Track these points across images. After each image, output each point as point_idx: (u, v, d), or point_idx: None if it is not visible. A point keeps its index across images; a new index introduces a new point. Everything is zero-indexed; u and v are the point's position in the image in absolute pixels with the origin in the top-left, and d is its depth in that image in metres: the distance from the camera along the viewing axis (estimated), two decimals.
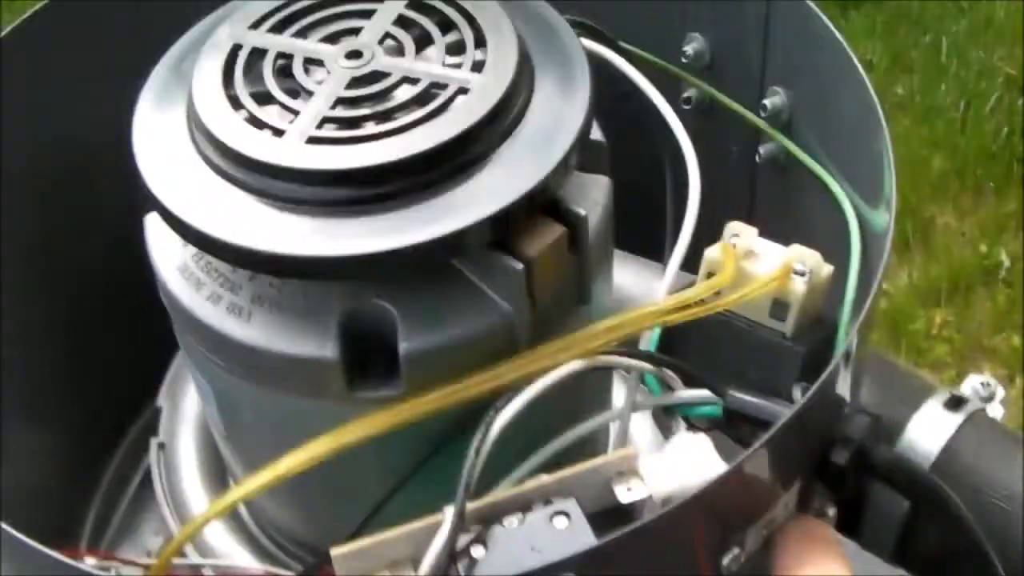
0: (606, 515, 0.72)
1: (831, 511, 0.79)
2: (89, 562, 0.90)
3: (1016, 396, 2.81)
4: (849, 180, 0.88)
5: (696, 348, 0.81)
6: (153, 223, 0.79)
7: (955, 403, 0.88)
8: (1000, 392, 0.95)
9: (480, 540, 0.69)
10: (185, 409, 1.02)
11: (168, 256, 0.78)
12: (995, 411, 0.93)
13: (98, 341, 1.06)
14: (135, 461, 1.06)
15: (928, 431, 0.87)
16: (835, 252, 0.83)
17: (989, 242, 3.20)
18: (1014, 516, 0.84)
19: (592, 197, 0.77)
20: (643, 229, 0.96)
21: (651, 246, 1.03)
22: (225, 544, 0.93)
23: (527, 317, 0.74)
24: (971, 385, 0.95)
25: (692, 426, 0.83)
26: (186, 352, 0.83)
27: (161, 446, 1.00)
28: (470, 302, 0.73)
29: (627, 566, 0.65)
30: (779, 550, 0.73)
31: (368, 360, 0.74)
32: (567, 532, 0.69)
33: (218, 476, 0.98)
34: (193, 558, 0.91)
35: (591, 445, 0.90)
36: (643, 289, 0.99)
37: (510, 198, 0.71)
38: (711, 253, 0.81)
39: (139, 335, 0.98)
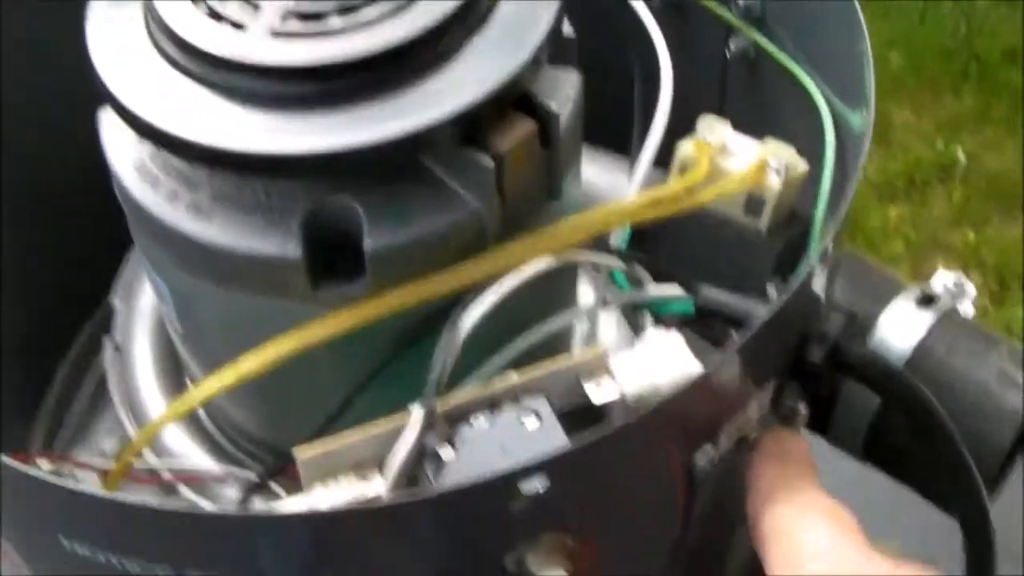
0: (576, 414, 0.71)
1: (803, 409, 0.78)
2: (42, 466, 0.87)
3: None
4: (825, 79, 0.86)
5: (667, 245, 0.80)
6: (108, 118, 0.76)
7: (926, 300, 0.87)
8: (971, 290, 0.93)
9: (448, 441, 0.68)
10: (141, 308, 0.99)
11: (124, 153, 0.76)
12: (966, 308, 0.92)
13: (47, 236, 1.03)
14: (88, 362, 1.03)
15: (900, 329, 0.86)
16: (809, 151, 0.81)
17: (946, 139, 3.20)
18: (988, 415, 0.83)
19: (563, 92, 0.75)
20: (611, 125, 0.94)
21: (619, 142, 1.01)
22: (183, 445, 0.91)
23: (496, 213, 0.72)
24: (941, 282, 0.93)
25: (662, 324, 0.82)
26: (142, 252, 0.80)
27: (116, 347, 0.98)
28: (438, 198, 0.71)
29: (599, 467, 0.64)
30: (754, 473, 0.72)
31: (333, 259, 0.72)
32: (538, 432, 0.68)
33: (175, 377, 0.96)
34: (151, 460, 0.89)
35: (558, 345, 0.89)
36: (612, 185, 0.97)
37: (480, 93, 0.69)
38: (684, 148, 0.79)
39: (91, 230, 0.95)
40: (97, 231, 0.92)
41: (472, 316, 0.70)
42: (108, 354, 0.97)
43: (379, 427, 0.68)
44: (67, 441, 0.97)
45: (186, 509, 0.60)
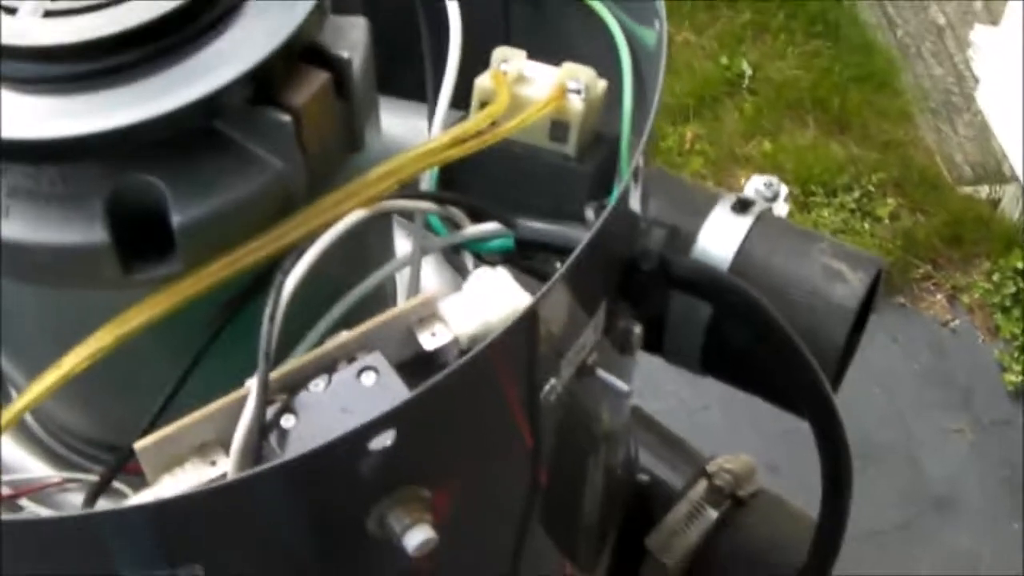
0: (414, 364, 0.70)
1: (636, 329, 0.78)
2: None
3: None
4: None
5: (478, 184, 0.79)
6: None
7: (742, 206, 0.88)
8: (783, 190, 0.94)
9: (288, 409, 0.66)
10: None
11: None
12: (780, 209, 0.94)
13: None
14: None
15: (719, 237, 0.86)
16: (604, 74, 0.81)
17: (729, 53, 3.25)
18: (819, 311, 0.84)
19: (351, 39, 0.73)
20: (403, 73, 0.93)
21: (412, 89, 1.00)
22: (17, 457, 0.88)
23: (300, 172, 0.71)
24: (754, 187, 0.94)
25: (485, 263, 0.81)
26: None
27: None
28: (239, 164, 0.69)
29: (445, 412, 0.63)
30: None
31: (141, 240, 0.70)
32: (377, 387, 0.67)
33: None
34: None
35: (384, 301, 0.88)
36: (412, 132, 0.96)
37: (266, 49, 0.68)
38: (482, 82, 0.78)
39: None
40: None
41: (293, 279, 0.68)
42: None
43: (215, 405, 0.66)
44: None
45: (25, 519, 0.58)
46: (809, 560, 0.92)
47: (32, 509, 0.85)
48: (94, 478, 0.85)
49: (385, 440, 0.60)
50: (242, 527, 0.62)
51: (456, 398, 0.62)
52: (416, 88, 1.00)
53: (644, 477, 1.13)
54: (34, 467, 0.88)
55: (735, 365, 0.90)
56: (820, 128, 3.11)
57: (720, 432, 2.38)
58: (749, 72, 3.21)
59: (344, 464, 0.60)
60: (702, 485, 1.10)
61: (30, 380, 0.81)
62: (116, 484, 0.75)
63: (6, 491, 0.86)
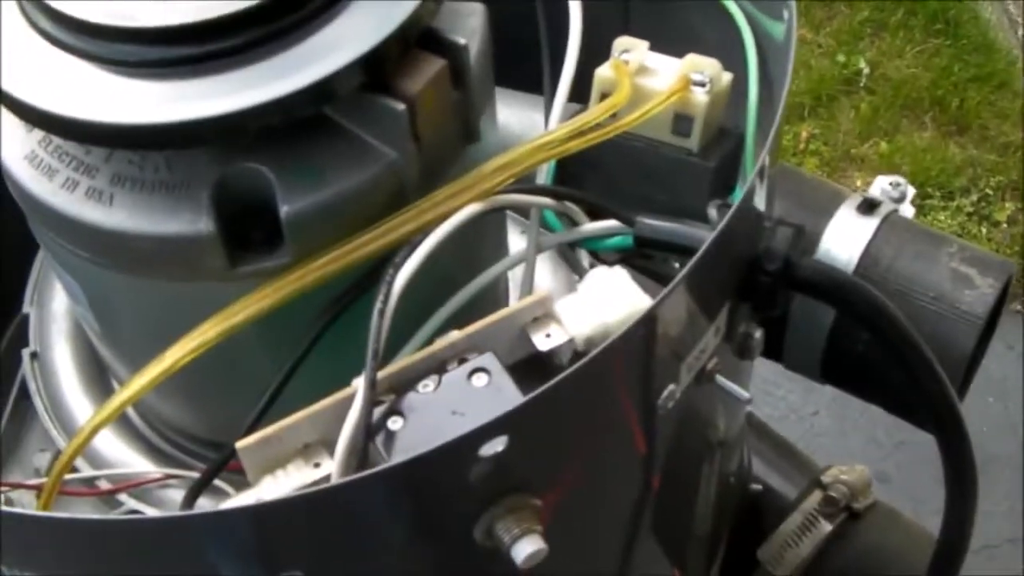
0: (526, 365, 0.67)
1: (757, 333, 0.74)
2: None
3: None
4: None
5: (595, 178, 0.76)
6: None
7: (868, 207, 0.84)
8: (910, 191, 0.91)
9: (396, 411, 0.64)
10: (55, 312, 0.94)
11: (12, 144, 0.71)
12: (907, 211, 0.90)
13: None
14: (9, 377, 0.98)
15: (844, 238, 0.83)
16: (727, 64, 0.77)
17: (846, 51, 3.18)
18: (946, 319, 0.80)
19: (469, 25, 0.71)
20: (519, 65, 0.90)
21: (529, 82, 0.97)
22: (118, 451, 0.86)
23: (414, 162, 0.68)
24: (880, 187, 0.90)
25: (602, 261, 0.78)
26: (47, 249, 0.75)
27: (34, 355, 0.92)
28: (351, 153, 0.67)
29: (560, 418, 0.60)
30: None
31: (248, 231, 0.68)
32: (489, 389, 0.64)
33: (99, 380, 0.91)
34: (86, 471, 0.84)
35: (496, 299, 0.85)
36: (529, 126, 0.93)
37: (381, 34, 0.65)
38: (603, 72, 0.75)
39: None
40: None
41: (404, 274, 0.65)
42: (26, 364, 0.92)
43: (320, 405, 0.64)
44: None
45: (124, 519, 0.55)
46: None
47: (131, 505, 0.83)
48: (195, 475, 0.83)
49: (497, 446, 0.57)
50: (344, 532, 0.59)
51: (572, 403, 0.59)
52: (532, 80, 0.97)
53: (757, 486, 1.10)
54: (135, 462, 0.86)
55: (856, 373, 0.86)
56: (938, 129, 3.04)
57: (830, 439, 2.33)
58: (866, 70, 3.14)
59: (453, 470, 0.57)
60: (816, 496, 1.07)
61: (131, 372, 0.79)
62: (218, 482, 0.73)
63: (106, 486, 0.84)
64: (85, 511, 0.85)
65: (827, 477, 1.08)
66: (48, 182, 0.69)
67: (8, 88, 0.65)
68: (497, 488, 0.60)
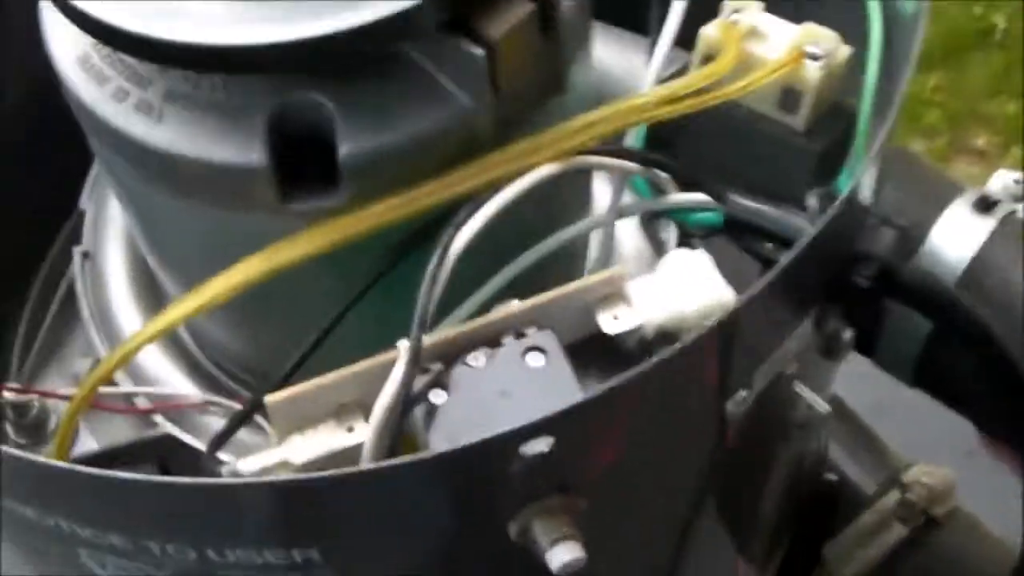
0: (584, 344, 0.62)
1: (846, 334, 0.68)
2: (7, 396, 0.79)
3: (1014, 165, 2.71)
4: None
5: (687, 145, 0.70)
6: (48, 8, 0.67)
7: (985, 205, 0.77)
8: None
9: (440, 383, 0.58)
10: (112, 213, 0.89)
11: (66, 46, 0.66)
12: None
13: (11, 137, 0.92)
14: (60, 275, 0.94)
15: (956, 238, 0.76)
16: (847, 33, 0.70)
17: (985, 5, 3.07)
18: None
19: None
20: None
21: (636, 18, 0.90)
22: (161, 368, 0.82)
23: (490, 112, 0.62)
24: (1000, 182, 0.83)
25: (686, 235, 0.73)
26: (98, 156, 0.71)
27: (85, 255, 0.88)
28: (422, 95, 0.62)
29: (616, 419, 0.55)
30: None
31: (303, 166, 0.62)
32: (543, 372, 0.59)
33: (150, 288, 0.86)
34: (124, 386, 0.80)
35: (566, 266, 0.79)
36: (629, 70, 0.86)
37: None
38: (709, 32, 0.68)
39: (61, 131, 0.85)
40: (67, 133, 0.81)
41: (464, 237, 0.60)
42: (77, 264, 0.88)
43: (360, 366, 0.59)
44: (37, 363, 0.88)
45: (132, 478, 0.51)
46: None
47: (167, 428, 0.79)
48: (236, 405, 0.79)
49: (543, 445, 0.51)
50: (367, 513, 0.55)
51: (634, 403, 0.54)
52: (638, 17, 0.91)
53: (832, 476, 1.03)
54: (178, 383, 0.82)
55: (951, 383, 0.80)
56: None
57: (901, 439, 2.25)
58: (1003, 26, 3.02)
59: (494, 464, 0.52)
60: (894, 495, 1.00)
61: (175, 285, 0.76)
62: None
63: (143, 404, 0.80)
64: (119, 428, 0.81)
65: (908, 477, 1.01)
66: (98, 89, 0.64)
67: None
68: (539, 485, 0.55)
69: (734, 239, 0.70)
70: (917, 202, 0.77)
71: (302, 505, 0.53)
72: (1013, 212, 0.78)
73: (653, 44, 0.72)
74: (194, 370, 0.83)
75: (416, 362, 0.57)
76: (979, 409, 0.79)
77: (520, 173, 0.62)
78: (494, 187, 0.62)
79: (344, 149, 0.60)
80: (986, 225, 0.76)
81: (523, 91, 0.64)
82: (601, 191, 0.82)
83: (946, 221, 0.76)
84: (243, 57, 0.59)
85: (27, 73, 0.74)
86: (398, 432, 0.57)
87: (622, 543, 0.65)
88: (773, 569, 0.99)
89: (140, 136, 0.62)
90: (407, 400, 0.57)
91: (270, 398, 0.58)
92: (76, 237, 0.91)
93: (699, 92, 0.65)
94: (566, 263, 0.79)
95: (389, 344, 0.59)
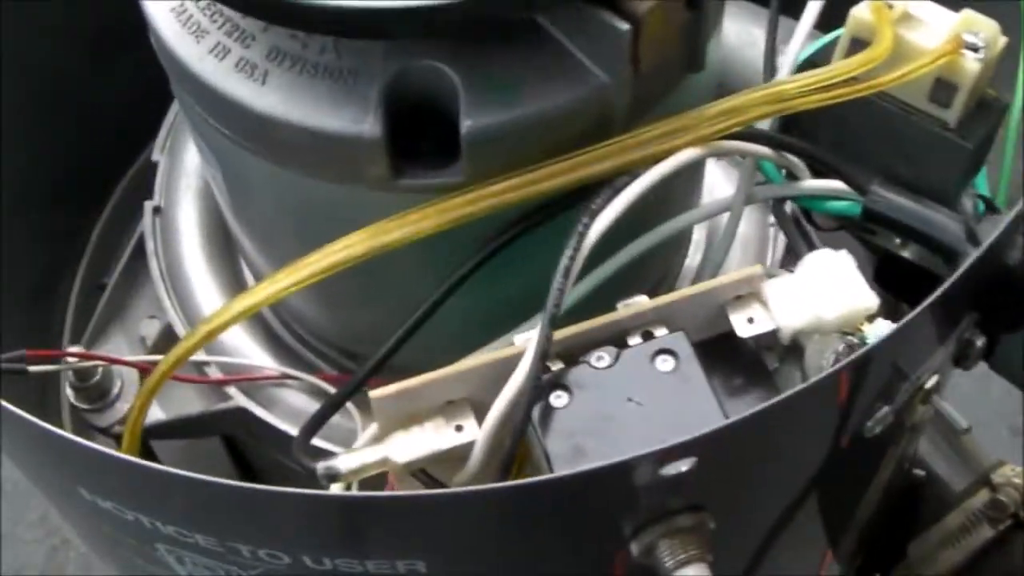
0: (710, 342, 0.57)
1: (979, 341, 0.64)
2: (71, 361, 0.74)
3: None
4: None
5: (826, 134, 0.65)
6: None
7: None
8: None
9: (561, 383, 0.54)
10: (187, 166, 0.85)
11: None
12: None
13: (72, 76, 0.87)
14: (123, 227, 0.89)
15: None
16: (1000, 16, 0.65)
17: None
18: None
19: None
20: None
21: None
22: (238, 339, 0.78)
23: (627, 89, 0.58)
24: None
25: (814, 224, 0.68)
26: (186, 113, 0.66)
27: (157, 210, 0.83)
28: (555, 70, 0.57)
29: (759, 438, 0.50)
30: None
31: (419, 139, 0.58)
32: (674, 377, 0.54)
33: (226, 249, 0.82)
34: (198, 354, 0.75)
35: (671, 253, 0.75)
36: (745, 38, 0.82)
37: None
38: (860, 13, 0.62)
39: (127, 70, 0.80)
40: (138, 70, 0.76)
41: (601, 225, 0.56)
42: (147, 219, 0.83)
43: (473, 362, 0.54)
44: (100, 322, 0.83)
45: (229, 485, 0.47)
46: None
47: (240, 401, 0.75)
48: (315, 380, 0.75)
49: (682, 466, 0.47)
50: (483, 529, 0.51)
51: (783, 423, 0.49)
52: None
53: (920, 472, 0.99)
54: (253, 353, 0.78)
55: None
56: None
57: (970, 385, 2.20)
58: None
59: (625, 483, 0.48)
60: (983, 495, 0.96)
61: (261, 256, 0.71)
62: None
63: (216, 375, 0.75)
64: (188, 397, 0.77)
65: (998, 477, 0.97)
66: (195, 44, 0.59)
67: None
68: (670, 505, 0.50)
69: (860, 232, 0.66)
70: None
71: (414, 519, 0.49)
72: None
73: (774, 15, 0.67)
74: (270, 341, 0.79)
75: (544, 359, 0.53)
76: None
77: (655, 158, 0.57)
78: (626, 172, 0.57)
79: (467, 123, 0.56)
80: None
81: (662, 67, 0.59)
82: (712, 173, 0.78)
83: None
84: (361, 19, 0.53)
85: None
86: (519, 434, 0.52)
87: (729, 554, 0.61)
88: (857, 563, 0.95)
89: (241, 98, 0.58)
90: (530, 402, 0.52)
91: (375, 393, 0.54)
92: (139, 189, 0.87)
93: (849, 80, 0.60)
94: (674, 250, 0.75)
95: (489, 335, 0.57)
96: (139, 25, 0.63)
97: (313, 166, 0.59)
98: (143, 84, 0.76)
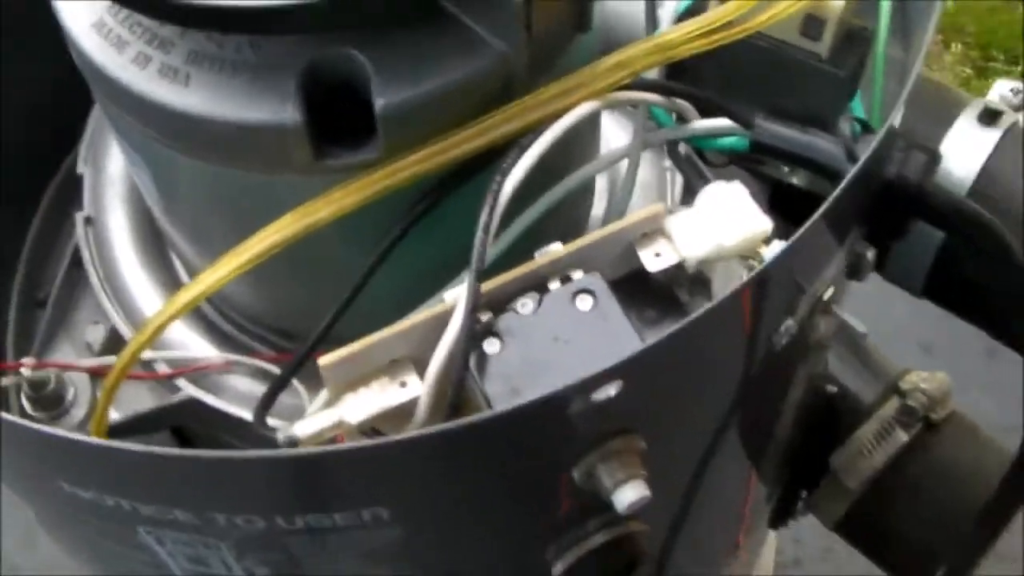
0: (623, 280, 0.62)
1: (869, 253, 0.69)
2: (26, 373, 0.78)
3: (952, 62, 2.73)
4: None
5: (710, 75, 0.70)
6: None
7: (990, 116, 0.78)
8: None
9: (491, 331, 0.58)
10: (112, 174, 0.88)
11: (78, 10, 0.64)
12: None
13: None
14: (52, 240, 0.92)
15: (963, 151, 0.77)
16: None
17: None
18: None
19: None
20: None
21: None
22: (180, 334, 0.81)
23: (524, 55, 0.62)
24: (999, 92, 0.84)
25: (707, 162, 0.73)
26: (111, 121, 0.70)
27: (88, 220, 0.86)
28: (456, 43, 0.60)
29: (676, 359, 0.55)
30: None
31: (337, 122, 0.61)
32: (594, 314, 0.59)
33: (158, 249, 0.85)
34: (144, 353, 0.78)
35: (579, 202, 0.79)
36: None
37: None
38: None
39: (43, 78, 0.83)
40: (50, 80, 0.80)
41: (512, 182, 0.60)
42: (80, 229, 0.86)
43: (411, 322, 0.58)
44: (46, 333, 0.87)
45: (203, 455, 0.51)
46: (997, 493, 0.84)
47: (190, 392, 0.78)
48: (258, 363, 0.78)
49: (609, 391, 0.52)
50: (435, 471, 0.55)
51: (695, 342, 0.54)
52: None
53: (832, 388, 1.04)
54: (196, 345, 0.81)
55: (961, 294, 0.81)
56: None
57: (872, 304, 2.27)
58: None
59: (558, 415, 0.52)
60: (893, 403, 1.01)
61: (195, 250, 0.75)
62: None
63: (164, 369, 0.79)
64: (139, 394, 0.80)
65: (906, 384, 1.02)
66: (117, 55, 0.62)
67: None
68: (603, 429, 0.55)
69: (750, 164, 0.70)
70: (925, 116, 0.77)
71: (373, 468, 0.53)
72: (1016, 122, 0.79)
73: None
74: (210, 331, 0.82)
75: (474, 312, 0.57)
76: (990, 319, 0.80)
77: (556, 115, 0.62)
78: (530, 131, 0.61)
79: (380, 101, 0.59)
80: (992, 136, 0.77)
81: (554, 30, 0.63)
82: (607, 125, 0.82)
83: (953, 135, 0.77)
84: (272, 18, 0.57)
85: None
86: (459, 383, 0.57)
87: (661, 473, 0.65)
88: (783, 483, 1.00)
89: (168, 101, 0.61)
90: (465, 352, 0.57)
91: (324, 360, 0.58)
92: (63, 201, 0.90)
93: (724, 25, 0.65)
94: (580, 200, 0.79)
95: (426, 280, 0.60)
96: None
97: (240, 158, 0.62)
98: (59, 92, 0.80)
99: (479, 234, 0.58)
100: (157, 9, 0.59)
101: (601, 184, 0.83)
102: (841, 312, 0.67)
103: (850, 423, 1.01)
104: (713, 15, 0.64)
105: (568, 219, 0.78)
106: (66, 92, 0.77)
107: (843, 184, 0.55)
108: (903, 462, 1.00)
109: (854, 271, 0.70)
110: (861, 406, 1.02)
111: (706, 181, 0.69)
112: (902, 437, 1.00)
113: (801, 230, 0.54)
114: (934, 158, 0.64)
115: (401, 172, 0.61)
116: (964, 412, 1.03)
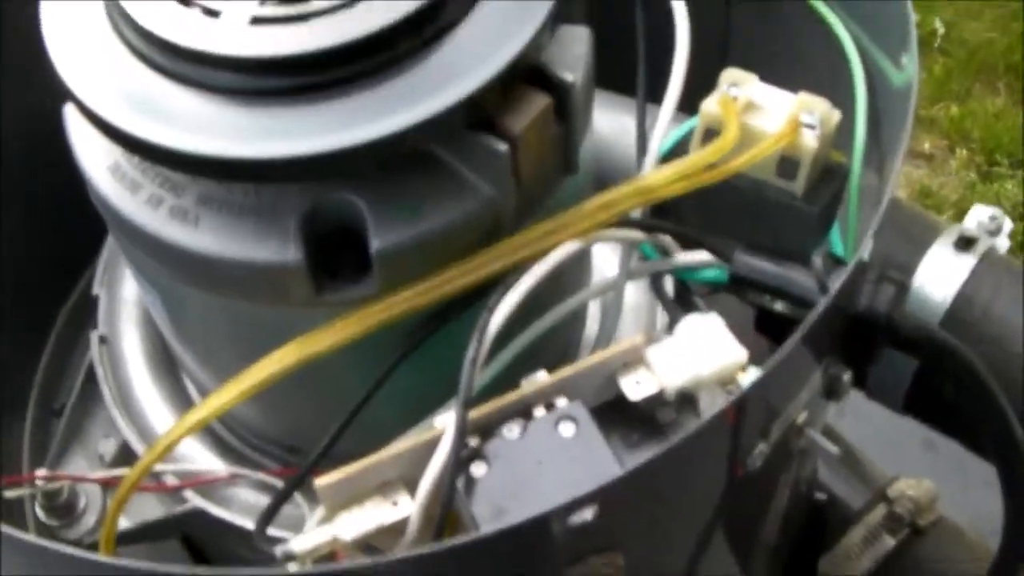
0: (605, 407, 0.65)
1: (845, 376, 0.72)
2: (40, 484, 0.82)
3: (957, 168, 2.77)
4: (853, 16, 0.78)
5: (692, 212, 0.74)
6: (75, 118, 0.69)
7: (965, 243, 0.81)
8: (1007, 224, 0.87)
9: (480, 455, 0.62)
10: (124, 297, 0.93)
11: (96, 153, 0.69)
12: (1002, 244, 0.87)
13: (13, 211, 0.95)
14: (67, 356, 0.96)
15: (939, 276, 0.80)
16: (832, 89, 0.74)
17: (922, 10, 3.12)
18: None
19: (574, 53, 0.68)
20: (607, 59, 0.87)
21: (616, 78, 0.93)
22: (186, 447, 0.85)
23: (512, 198, 0.66)
24: (976, 219, 0.87)
25: (689, 292, 0.76)
26: (125, 255, 0.74)
27: (103, 340, 0.91)
28: (448, 188, 0.65)
29: (654, 483, 0.58)
30: None
31: (336, 260, 0.66)
32: (576, 440, 0.62)
33: (168, 369, 0.90)
34: (154, 467, 0.82)
35: (574, 326, 0.83)
36: (618, 129, 0.90)
37: (491, 71, 0.62)
38: (709, 108, 0.72)
39: (60, 210, 0.88)
40: (66, 212, 0.84)
41: (498, 319, 0.64)
42: (95, 348, 0.91)
43: (403, 446, 0.62)
44: (60, 444, 0.91)
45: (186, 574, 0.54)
46: None
47: (196, 503, 0.82)
48: (262, 476, 0.82)
49: (587, 514, 0.55)
50: None
51: (670, 468, 0.58)
52: (623, 79, 0.94)
53: (822, 495, 1.07)
54: (201, 457, 0.85)
55: (939, 413, 0.84)
56: (1011, 96, 2.97)
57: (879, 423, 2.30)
58: (941, 31, 3.07)
59: (540, 537, 0.56)
60: (881, 510, 1.05)
61: (203, 372, 0.79)
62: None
63: (172, 481, 0.83)
64: (148, 504, 0.84)
65: (893, 491, 1.05)
66: (131, 197, 0.67)
67: (95, 107, 0.63)
68: (582, 549, 0.58)
69: (738, 293, 0.74)
70: (902, 241, 0.81)
71: None
72: (992, 248, 0.82)
73: (641, 105, 0.76)
74: (218, 445, 0.86)
75: (462, 438, 0.60)
76: (965, 432, 0.83)
77: (542, 253, 0.66)
78: (518, 268, 0.65)
79: (376, 243, 0.63)
80: (967, 263, 0.80)
81: (541, 175, 0.67)
82: (600, 255, 0.86)
83: (930, 260, 0.80)
84: (275, 168, 0.61)
85: None
86: (447, 503, 0.60)
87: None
88: None
89: (178, 241, 0.65)
90: (453, 476, 0.60)
91: (320, 481, 0.61)
92: (79, 315, 0.94)
93: (706, 170, 0.68)
94: (571, 326, 0.83)
95: (423, 401, 0.64)
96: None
97: (245, 293, 0.66)
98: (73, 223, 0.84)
99: (466, 367, 0.61)
100: (169, 160, 0.63)
101: (595, 308, 0.86)
102: (816, 435, 0.70)
103: (838, 529, 1.04)
104: (693, 159, 0.68)
105: (559, 343, 0.81)
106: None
107: (812, 317, 0.59)
108: (890, 567, 1.03)
109: (831, 392, 0.73)
110: (849, 513, 1.06)
111: (685, 313, 0.72)
112: (889, 542, 1.03)
113: (771, 362, 0.58)
114: (903, 288, 0.67)
115: (396, 307, 0.65)
116: (969, 508, 1.06)
